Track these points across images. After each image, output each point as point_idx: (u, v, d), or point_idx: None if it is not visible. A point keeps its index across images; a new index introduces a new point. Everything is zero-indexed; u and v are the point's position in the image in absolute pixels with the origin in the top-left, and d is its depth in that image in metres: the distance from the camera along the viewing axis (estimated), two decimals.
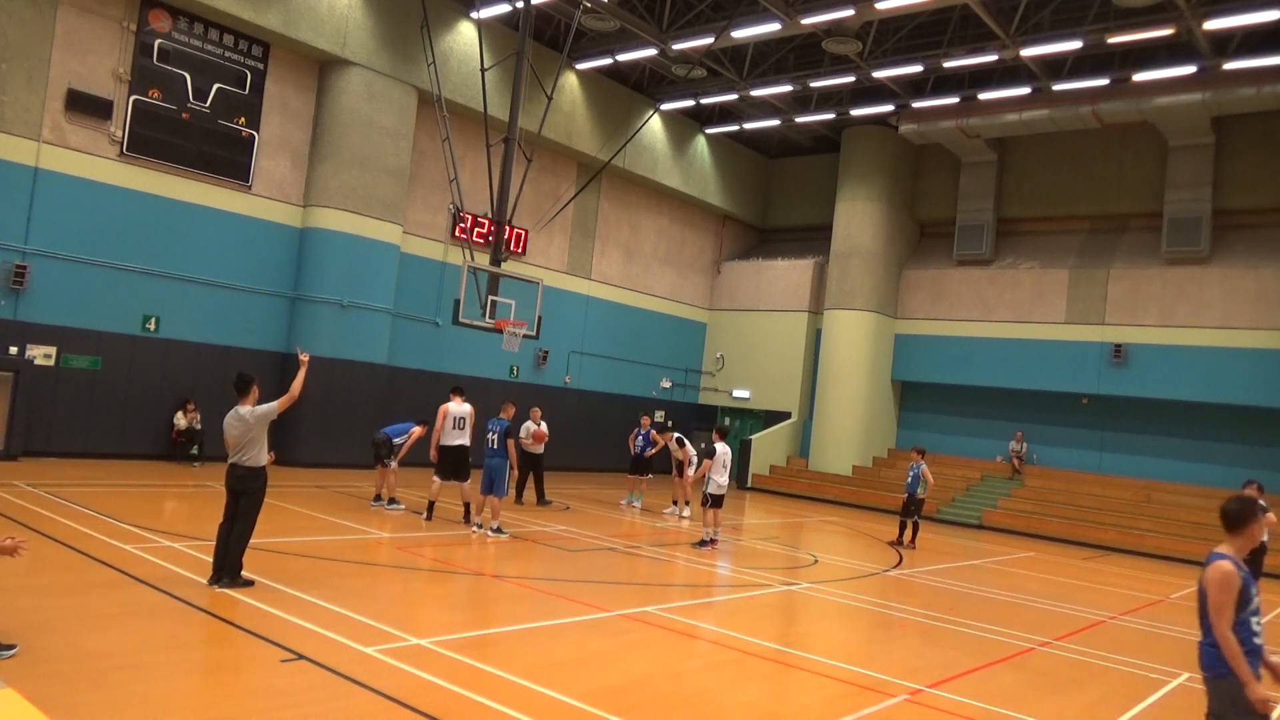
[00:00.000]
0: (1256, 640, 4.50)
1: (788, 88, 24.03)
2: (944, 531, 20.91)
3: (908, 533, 17.16)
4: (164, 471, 16.32)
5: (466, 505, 13.66)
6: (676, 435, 18.14)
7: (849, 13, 18.96)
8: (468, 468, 13.64)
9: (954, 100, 23.97)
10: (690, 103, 26.13)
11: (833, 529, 19.56)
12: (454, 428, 13.63)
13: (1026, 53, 20.17)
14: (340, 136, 19.44)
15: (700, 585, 11.77)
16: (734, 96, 25.20)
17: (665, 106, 26.38)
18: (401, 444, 14.35)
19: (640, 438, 18.87)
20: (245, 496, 8.38)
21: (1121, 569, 17.60)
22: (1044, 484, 24.11)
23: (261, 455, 8.42)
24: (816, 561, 14.43)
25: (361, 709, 5.62)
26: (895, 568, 14.44)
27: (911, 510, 17.05)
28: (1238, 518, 4.65)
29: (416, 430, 14.48)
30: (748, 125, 27.57)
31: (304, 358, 9.00)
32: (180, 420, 17.65)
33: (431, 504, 13.73)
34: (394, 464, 14.39)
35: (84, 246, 16.61)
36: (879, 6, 18.58)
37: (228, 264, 18.51)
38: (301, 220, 19.63)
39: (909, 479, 17.12)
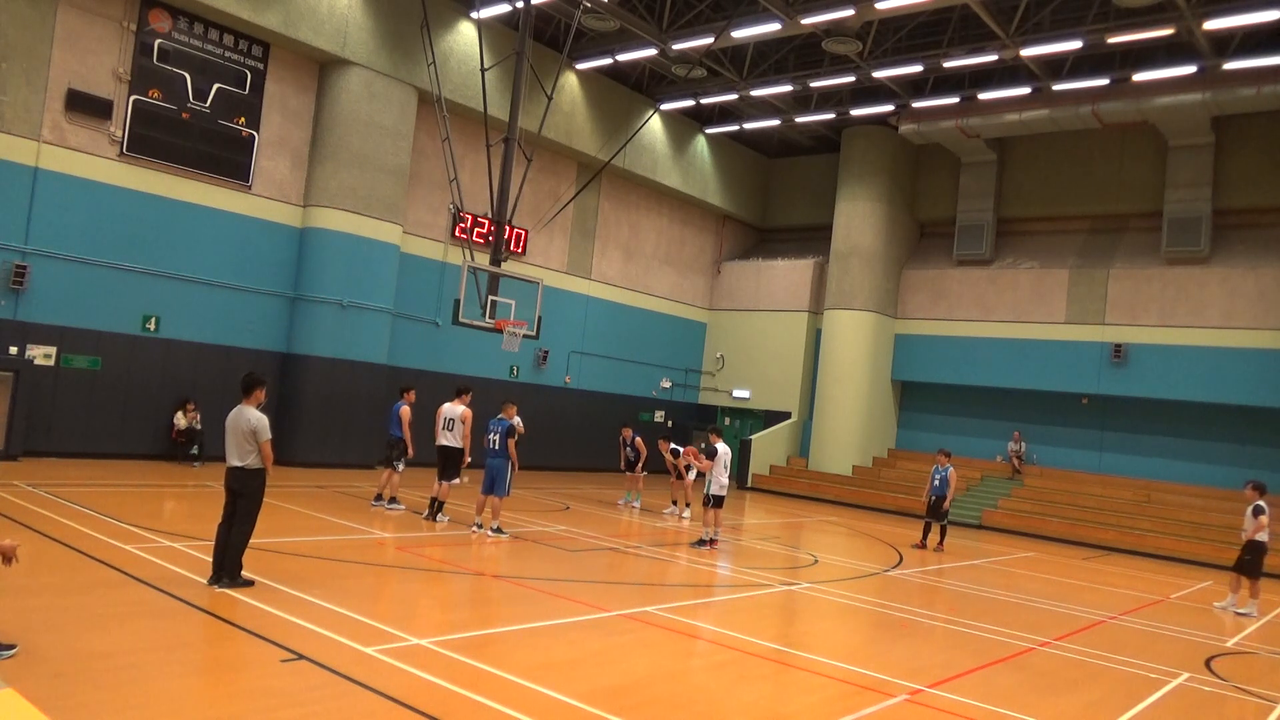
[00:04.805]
0: None
1: (788, 88, 24.01)
2: None
3: (933, 536, 17.09)
4: (164, 471, 16.31)
5: (433, 500, 13.73)
6: (672, 446, 18.03)
7: (849, 13, 18.95)
8: (454, 468, 13.66)
9: (954, 100, 23.96)
10: (690, 103, 26.12)
11: (833, 529, 19.56)
12: (443, 428, 13.70)
13: (1026, 53, 20.16)
14: (340, 136, 19.44)
15: (700, 585, 11.76)
16: (734, 96, 25.18)
17: (665, 106, 26.38)
18: (401, 437, 14.30)
19: (629, 449, 18.76)
20: (244, 497, 8.40)
21: (1121, 569, 17.59)
22: (1044, 484, 24.10)
23: (259, 458, 8.41)
24: (816, 561, 14.43)
25: (361, 709, 5.62)
26: (895, 568, 14.44)
27: (941, 514, 16.92)
28: None
29: (405, 411, 14.36)
30: (748, 125, 27.55)
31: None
32: (180, 420, 17.65)
33: (433, 501, 13.75)
34: (401, 467, 14.39)
35: (84, 246, 16.61)
36: (879, 6, 18.58)
37: (228, 264, 18.51)
38: (301, 220, 19.63)
39: (936, 482, 16.88)
